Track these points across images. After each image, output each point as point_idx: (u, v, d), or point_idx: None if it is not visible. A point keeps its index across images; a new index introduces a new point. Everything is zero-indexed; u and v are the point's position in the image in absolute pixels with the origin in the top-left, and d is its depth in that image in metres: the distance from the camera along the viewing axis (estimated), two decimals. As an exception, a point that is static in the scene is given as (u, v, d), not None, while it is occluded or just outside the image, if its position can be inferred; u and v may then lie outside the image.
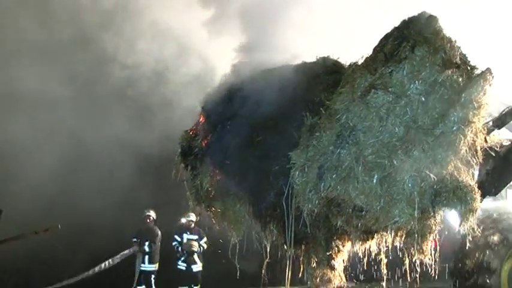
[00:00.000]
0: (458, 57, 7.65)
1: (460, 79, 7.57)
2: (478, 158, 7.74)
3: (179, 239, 19.75)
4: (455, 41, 7.72)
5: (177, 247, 19.73)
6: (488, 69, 7.64)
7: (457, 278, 11.71)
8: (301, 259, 8.42)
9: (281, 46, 8.89)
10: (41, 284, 17.94)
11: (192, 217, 19.68)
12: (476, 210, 7.55)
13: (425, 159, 7.31)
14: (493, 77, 7.62)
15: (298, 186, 7.71)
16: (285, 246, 8.49)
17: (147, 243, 19.04)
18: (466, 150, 7.53)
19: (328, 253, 8.41)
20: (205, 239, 19.82)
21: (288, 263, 8.20)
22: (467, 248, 11.23)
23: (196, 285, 19.87)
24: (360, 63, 8.41)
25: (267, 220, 8.26)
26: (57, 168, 18.36)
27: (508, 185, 9.48)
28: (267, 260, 8.86)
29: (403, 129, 7.38)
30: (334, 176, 7.42)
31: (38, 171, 17.87)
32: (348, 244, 8.58)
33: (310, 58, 9.02)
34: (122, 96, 17.85)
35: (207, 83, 9.59)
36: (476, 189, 7.56)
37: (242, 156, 8.31)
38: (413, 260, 8.05)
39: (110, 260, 18.79)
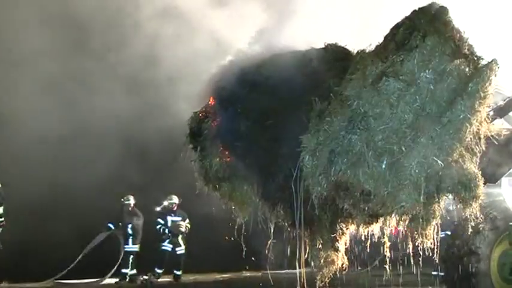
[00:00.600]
0: (466, 47, 7.87)
1: (467, 69, 7.80)
2: (481, 146, 7.96)
3: (163, 222, 20.19)
4: (463, 32, 7.94)
5: (163, 229, 20.16)
6: (494, 60, 7.88)
7: (447, 263, 11.98)
8: (306, 241, 8.62)
9: (292, 31, 9.09)
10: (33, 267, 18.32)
11: (175, 199, 20.21)
12: (479, 197, 7.82)
13: (432, 146, 7.54)
14: (498, 68, 7.87)
15: (308, 169, 7.91)
16: (289, 228, 8.76)
17: (129, 225, 19.64)
18: (470, 138, 7.76)
19: (332, 235, 8.62)
20: (188, 220, 20.25)
21: (297, 244, 8.43)
22: (458, 234, 11.58)
23: (179, 270, 20.33)
24: (367, 50, 8.63)
25: (275, 202, 8.46)
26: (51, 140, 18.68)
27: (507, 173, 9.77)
28: (272, 241, 9.08)
29: (412, 116, 7.60)
30: (345, 161, 7.62)
31: (33, 138, 18.16)
32: (351, 227, 8.79)
33: (318, 45, 9.20)
34: (120, 73, 18.02)
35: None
36: (480, 176, 7.82)
37: (252, 138, 8.52)
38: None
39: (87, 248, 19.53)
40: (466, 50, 7.86)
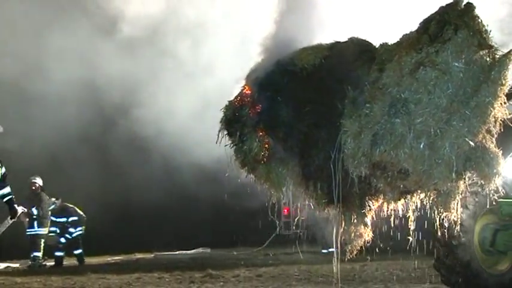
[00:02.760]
0: (490, 40, 8.81)
1: (488, 59, 8.73)
2: (497, 127, 8.90)
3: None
4: (487, 25, 8.87)
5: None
6: (511, 50, 8.84)
7: (435, 239, 12.88)
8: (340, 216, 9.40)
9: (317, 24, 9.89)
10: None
11: (54, 201, 20.46)
12: (500, 174, 8.77)
13: (462, 128, 8.44)
14: None
15: (349, 151, 8.71)
16: (323, 206, 9.55)
17: (34, 208, 19.95)
18: (492, 120, 8.70)
19: (362, 211, 9.43)
20: (73, 218, 20.61)
21: (337, 220, 9.21)
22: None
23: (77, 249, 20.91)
24: (390, 43, 9.53)
25: (315, 182, 9.22)
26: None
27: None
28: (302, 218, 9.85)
29: (446, 101, 8.47)
30: (388, 142, 8.45)
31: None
32: (376, 204, 9.60)
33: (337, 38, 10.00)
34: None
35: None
36: (500, 155, 8.79)
37: (293, 124, 9.27)
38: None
39: None
40: (490, 42, 8.77)
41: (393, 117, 8.52)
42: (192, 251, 24.37)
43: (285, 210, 24.85)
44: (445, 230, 12.02)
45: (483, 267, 12.99)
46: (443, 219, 9.10)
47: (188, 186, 23.57)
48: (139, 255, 23.60)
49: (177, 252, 23.93)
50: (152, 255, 23.64)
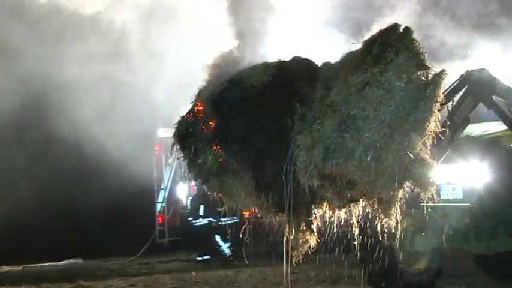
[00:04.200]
0: (426, 61, 9.67)
1: (423, 78, 9.59)
2: (431, 140, 9.76)
3: None
4: (423, 48, 9.73)
5: None
6: (443, 70, 9.72)
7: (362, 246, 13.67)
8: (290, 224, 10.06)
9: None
10: None
11: None
12: (435, 183, 9.64)
13: (404, 142, 9.22)
14: (446, 75, 9.74)
15: (301, 163, 9.39)
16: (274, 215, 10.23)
17: None
18: (428, 134, 9.56)
19: (309, 219, 10.13)
20: None
21: (288, 229, 9.86)
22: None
23: None
24: (332, 62, 10.29)
25: (267, 192, 9.86)
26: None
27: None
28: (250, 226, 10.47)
29: (389, 117, 9.21)
30: (339, 156, 9.16)
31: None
32: (321, 211, 10.31)
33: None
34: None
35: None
36: (435, 165, 9.66)
37: (246, 138, 9.87)
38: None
39: None
40: (426, 63, 9.62)
41: (343, 133, 9.23)
42: (63, 262, 23.53)
43: (160, 219, 25.18)
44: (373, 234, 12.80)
45: (404, 266, 14.06)
46: (383, 224, 9.85)
47: (60, 195, 23.63)
48: (6, 268, 22.55)
49: (47, 264, 22.87)
50: (20, 268, 22.60)
